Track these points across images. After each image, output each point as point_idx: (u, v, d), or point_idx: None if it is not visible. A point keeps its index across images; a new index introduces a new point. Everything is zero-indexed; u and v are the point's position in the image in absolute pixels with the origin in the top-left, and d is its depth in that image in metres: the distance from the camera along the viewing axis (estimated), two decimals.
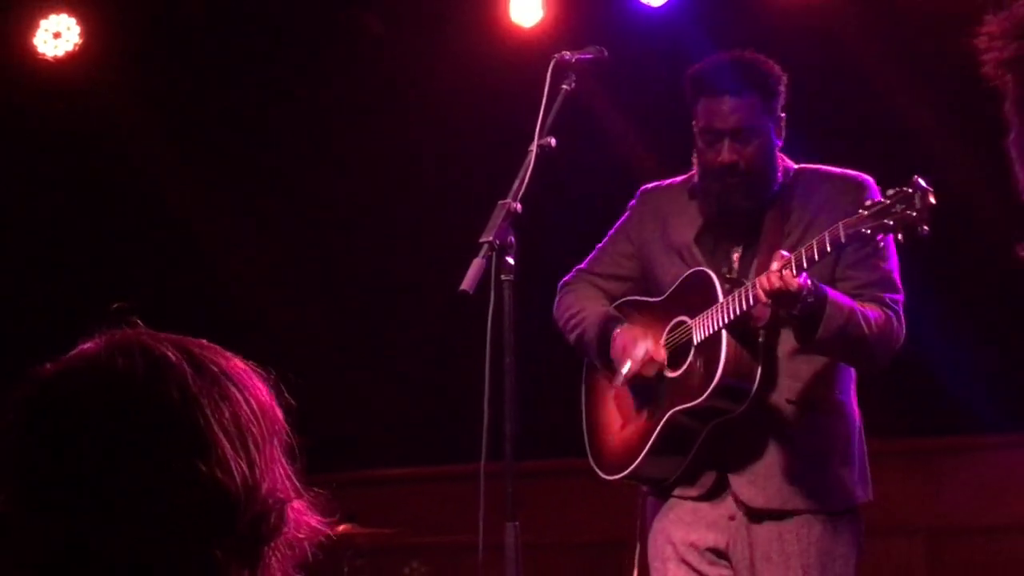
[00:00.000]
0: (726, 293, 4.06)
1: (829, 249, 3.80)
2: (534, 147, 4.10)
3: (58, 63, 7.93)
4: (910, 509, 7.06)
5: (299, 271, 8.19)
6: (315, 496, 1.77)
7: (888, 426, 7.00)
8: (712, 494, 4.17)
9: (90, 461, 1.60)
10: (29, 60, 7.92)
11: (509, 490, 3.80)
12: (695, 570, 4.16)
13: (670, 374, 4.21)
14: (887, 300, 4.08)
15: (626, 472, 4.28)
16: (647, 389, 4.29)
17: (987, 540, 6.93)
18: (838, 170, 4.26)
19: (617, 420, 4.40)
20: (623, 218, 4.52)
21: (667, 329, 4.25)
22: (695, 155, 4.28)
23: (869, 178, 4.17)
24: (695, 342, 4.13)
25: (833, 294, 3.94)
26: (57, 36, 7.92)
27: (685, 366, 4.16)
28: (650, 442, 4.20)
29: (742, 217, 4.19)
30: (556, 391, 4.90)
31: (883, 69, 6.91)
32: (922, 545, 7.03)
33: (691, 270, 4.22)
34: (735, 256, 4.21)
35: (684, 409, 4.12)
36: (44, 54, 7.92)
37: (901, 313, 4.10)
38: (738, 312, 3.99)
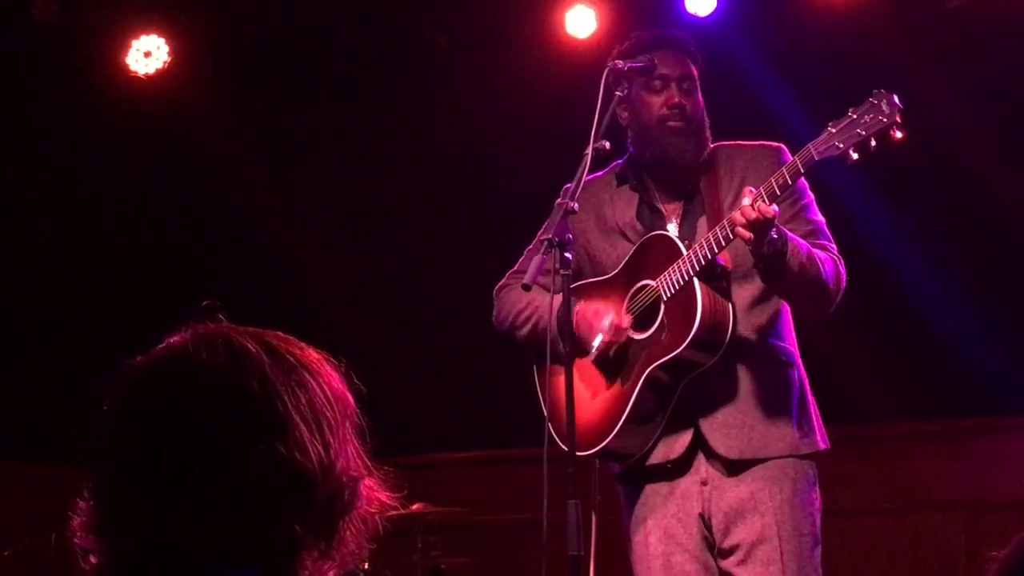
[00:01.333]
0: (688, 248, 4.03)
1: (803, 171, 3.79)
2: (589, 150, 4.06)
3: (148, 80, 7.99)
4: (947, 486, 7.02)
5: (374, 273, 8.22)
6: (385, 474, 1.79)
7: (923, 409, 6.98)
8: (687, 456, 4.06)
9: (179, 445, 1.63)
10: (122, 77, 7.99)
11: (571, 470, 3.77)
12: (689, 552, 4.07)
13: (638, 336, 4.11)
14: (827, 246, 4.08)
15: (604, 443, 4.13)
16: (613, 362, 4.17)
17: (1020, 514, 6.87)
18: (750, 142, 4.27)
19: (586, 397, 4.22)
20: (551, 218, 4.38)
21: (628, 296, 4.16)
22: (629, 127, 4.27)
23: (782, 145, 4.17)
24: (664, 298, 4.05)
25: (791, 236, 3.91)
26: (147, 55, 7.98)
27: (656, 325, 4.07)
28: (628, 407, 4.09)
29: (681, 173, 4.17)
30: None
31: (925, 77, 6.84)
32: (961, 519, 6.98)
33: (644, 237, 4.17)
34: (673, 226, 4.18)
35: (661, 364, 4.02)
36: (136, 72, 7.99)
37: (840, 258, 4.07)
38: (707, 257, 3.94)
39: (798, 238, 3.96)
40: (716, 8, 7.33)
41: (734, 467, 4.04)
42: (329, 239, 8.21)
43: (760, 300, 4.11)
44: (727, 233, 3.89)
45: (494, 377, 7.61)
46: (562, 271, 3.90)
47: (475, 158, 7.91)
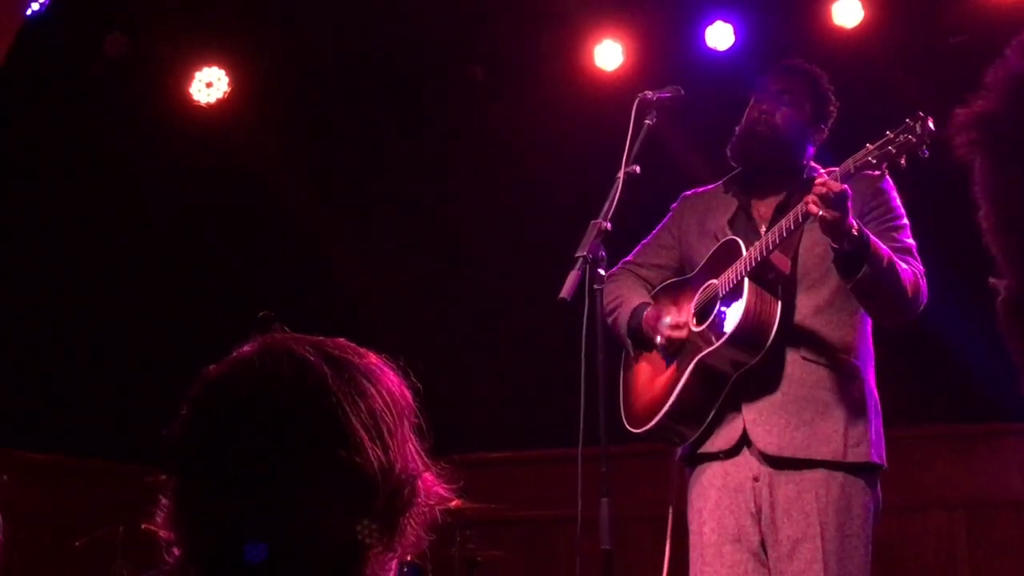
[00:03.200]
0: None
1: (840, 179, 3.74)
2: (621, 174, 4.09)
3: (210, 109, 8.01)
4: (950, 487, 6.96)
5: (426, 286, 8.21)
6: (441, 469, 1.78)
7: (929, 414, 6.91)
8: (737, 449, 4.01)
9: (247, 450, 1.62)
10: (186, 106, 8.01)
11: (603, 470, 3.77)
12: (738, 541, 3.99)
13: (696, 328, 4.10)
14: (912, 263, 3.98)
15: (654, 421, 4.13)
16: (677, 352, 4.16)
17: (1019, 514, 6.80)
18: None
19: (648, 381, 4.26)
20: (666, 218, 4.47)
21: (697, 294, 4.16)
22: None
23: (891, 183, 4.08)
24: (720, 295, 4.03)
25: (874, 238, 3.84)
26: (209, 86, 7.99)
27: (710, 319, 4.05)
28: (677, 390, 4.08)
29: (765, 177, 4.12)
30: None
31: (933, 108, 6.77)
32: (963, 519, 6.91)
33: (720, 242, 4.16)
34: (763, 231, 4.11)
35: (707, 354, 4.00)
36: (198, 101, 8.00)
37: (925, 282, 3.97)
38: (759, 258, 3.92)
39: (881, 243, 3.87)
40: (735, 43, 7.31)
41: (781, 464, 3.96)
42: (382, 255, 8.20)
43: (826, 309, 4.01)
44: (783, 232, 3.86)
45: (535, 383, 7.61)
46: (596, 286, 3.91)
47: (514, 182, 7.89)
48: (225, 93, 8.00)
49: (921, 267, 4.01)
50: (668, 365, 4.20)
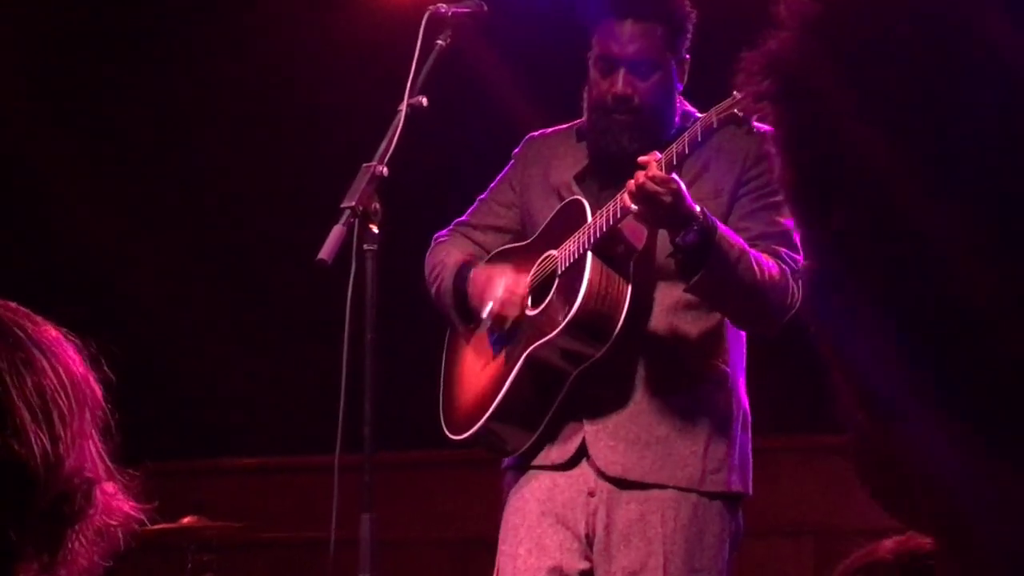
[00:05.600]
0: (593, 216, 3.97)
1: (700, 138, 3.69)
2: (404, 106, 4.03)
3: None
4: (800, 509, 7.08)
5: (150, 238, 8.02)
6: (131, 480, 1.74)
7: (779, 421, 7.00)
8: (574, 462, 3.99)
9: None
10: None
11: (366, 479, 3.76)
12: (549, 555, 3.96)
13: (530, 312, 4.07)
14: (784, 255, 3.90)
15: (476, 426, 4.11)
16: (509, 335, 4.15)
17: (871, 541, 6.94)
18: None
19: (472, 373, 4.23)
20: (507, 167, 4.40)
21: (533, 267, 4.12)
22: (585, 90, 4.15)
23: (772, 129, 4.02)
24: (559, 272, 4.00)
25: (724, 229, 3.79)
26: None
27: (546, 301, 4.02)
28: (504, 389, 4.05)
29: (628, 160, 3.96)
30: (423, 374, 4.80)
31: None
32: (810, 544, 7.05)
33: (563, 202, 4.11)
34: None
35: (539, 346, 3.97)
36: None
37: (798, 272, 3.88)
38: (604, 228, 3.87)
39: (733, 234, 3.82)
40: None
41: (625, 483, 3.93)
42: (109, 201, 8.01)
43: (694, 303, 3.96)
44: (625, 198, 3.78)
45: (284, 369, 7.54)
46: (366, 246, 3.86)
47: (269, 113, 7.76)
48: None
49: (798, 257, 3.90)
50: (497, 354, 4.18)
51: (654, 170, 3.66)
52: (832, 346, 1.17)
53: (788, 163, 1.21)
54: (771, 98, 1.18)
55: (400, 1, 5.42)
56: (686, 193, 3.70)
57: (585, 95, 4.16)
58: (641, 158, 3.72)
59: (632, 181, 3.69)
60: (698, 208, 3.73)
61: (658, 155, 3.72)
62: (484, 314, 4.13)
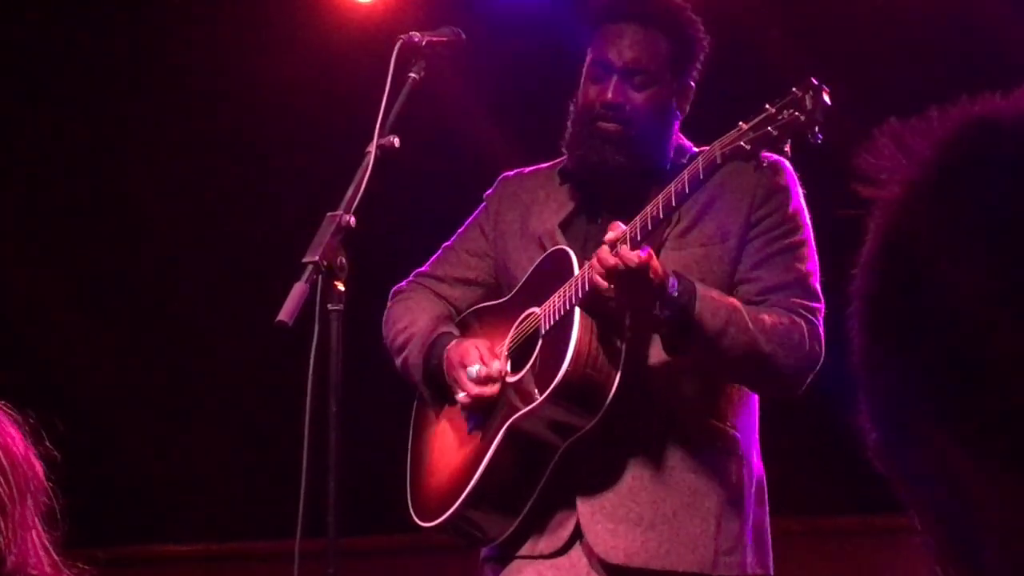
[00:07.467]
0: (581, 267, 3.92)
1: (703, 176, 3.68)
2: (373, 148, 4.06)
3: None
4: None
5: (85, 294, 8.03)
6: (79, 573, 1.76)
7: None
8: (565, 549, 3.97)
9: None
10: None
11: (330, 571, 3.76)
12: None
13: (510, 378, 4.07)
14: (799, 306, 3.92)
15: (449, 512, 4.08)
16: (491, 409, 4.11)
17: None
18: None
19: (445, 449, 4.22)
20: (477, 210, 4.40)
21: (513, 328, 4.12)
22: (572, 103, 4.17)
23: (786, 162, 3.97)
24: (542, 331, 4.00)
25: (705, 290, 3.78)
26: None
27: (528, 365, 4.02)
28: (481, 468, 4.03)
29: (615, 185, 4.04)
30: (395, 450, 4.84)
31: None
32: None
33: (545, 252, 4.11)
34: None
35: (521, 417, 3.96)
36: None
37: (819, 324, 3.90)
38: (591, 285, 3.81)
39: (719, 296, 3.83)
40: None
41: (627, 571, 3.93)
42: (33, 252, 8.01)
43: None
44: (594, 277, 3.77)
45: (239, 444, 7.53)
46: (331, 306, 3.87)
47: (227, 154, 7.75)
48: None
49: (817, 306, 3.95)
50: (472, 427, 4.16)
51: (625, 252, 3.66)
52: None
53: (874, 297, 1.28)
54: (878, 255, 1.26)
55: (367, 30, 5.48)
56: (659, 270, 3.71)
57: (572, 108, 4.18)
58: (608, 235, 3.72)
59: (597, 259, 3.71)
60: (671, 281, 3.74)
61: (621, 226, 3.73)
62: (459, 396, 4.12)
